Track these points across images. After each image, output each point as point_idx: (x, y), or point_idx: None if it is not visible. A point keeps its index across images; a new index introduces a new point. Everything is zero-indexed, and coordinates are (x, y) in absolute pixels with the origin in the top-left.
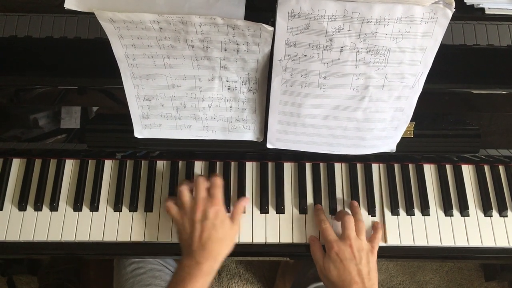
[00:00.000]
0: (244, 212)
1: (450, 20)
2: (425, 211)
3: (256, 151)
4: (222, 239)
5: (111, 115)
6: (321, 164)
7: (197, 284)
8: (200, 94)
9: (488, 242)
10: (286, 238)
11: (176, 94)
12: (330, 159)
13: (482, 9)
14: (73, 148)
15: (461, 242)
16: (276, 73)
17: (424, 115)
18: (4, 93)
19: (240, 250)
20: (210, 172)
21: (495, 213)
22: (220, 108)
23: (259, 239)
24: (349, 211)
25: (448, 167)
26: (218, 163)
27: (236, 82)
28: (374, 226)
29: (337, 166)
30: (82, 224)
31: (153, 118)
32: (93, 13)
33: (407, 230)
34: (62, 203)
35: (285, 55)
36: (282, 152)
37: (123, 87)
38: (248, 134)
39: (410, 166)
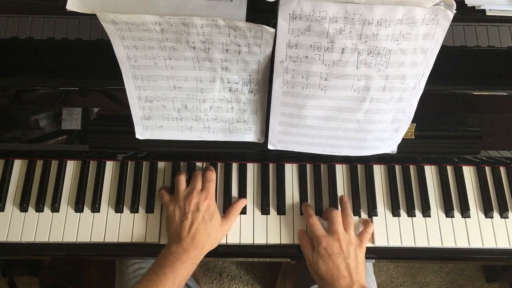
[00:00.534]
0: (245, 213)
1: (451, 22)
2: (426, 212)
3: (257, 152)
4: (209, 233)
5: (113, 116)
6: (322, 165)
7: (186, 270)
8: (201, 96)
9: (489, 243)
10: (287, 239)
11: (178, 96)
12: (331, 160)
13: (483, 11)
14: (74, 149)
15: (462, 243)
16: (277, 74)
17: (425, 116)
18: (5, 94)
19: (241, 251)
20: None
21: (496, 214)
22: (222, 110)
23: (260, 240)
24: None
25: (449, 168)
26: (219, 164)
27: (237, 83)
28: (365, 222)
29: (338, 167)
30: (83, 225)
31: (154, 119)
32: (94, 15)
33: (408, 231)
34: (64, 204)
35: (286, 56)
36: (283, 153)
37: (124, 89)
38: (249, 135)
39: (411, 167)
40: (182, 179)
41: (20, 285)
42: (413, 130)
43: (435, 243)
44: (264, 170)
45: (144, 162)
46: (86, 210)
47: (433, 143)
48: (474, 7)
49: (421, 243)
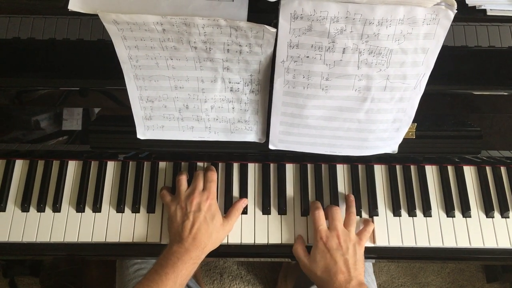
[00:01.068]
0: (246, 213)
1: (452, 22)
2: (427, 212)
3: (258, 152)
4: (211, 233)
5: (114, 116)
6: (323, 165)
7: (187, 270)
8: (202, 96)
9: (490, 243)
10: (288, 239)
11: (179, 96)
12: (332, 160)
13: (484, 11)
14: (75, 149)
15: (463, 243)
16: (278, 74)
17: (426, 116)
18: (7, 95)
19: (242, 251)
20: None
21: (496, 214)
22: (223, 110)
23: (261, 240)
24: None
25: (450, 168)
26: (220, 164)
27: (238, 83)
28: (365, 221)
29: (339, 167)
30: (84, 225)
31: (155, 119)
32: (96, 15)
33: (409, 231)
34: (65, 204)
35: (287, 56)
36: (284, 153)
37: (125, 89)
38: (251, 135)
39: (412, 167)
40: (183, 179)
41: (21, 286)
42: (414, 130)
43: (436, 243)
44: (265, 170)
45: (145, 162)
46: (88, 210)
47: (434, 143)
48: (475, 7)
49: (422, 243)
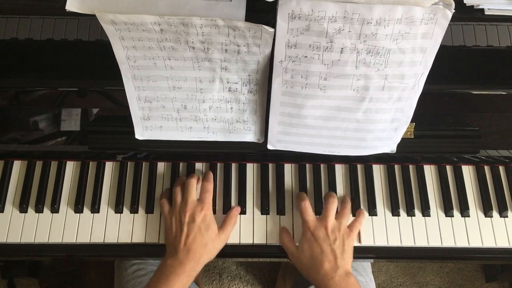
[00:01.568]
0: (245, 213)
1: (450, 21)
2: (425, 211)
3: (257, 152)
4: (206, 244)
5: (112, 116)
6: (322, 165)
7: (181, 283)
8: (200, 96)
9: (489, 243)
10: None
11: (177, 96)
12: (330, 160)
13: (482, 10)
14: (74, 150)
15: (461, 243)
16: (276, 74)
17: (424, 115)
18: (5, 95)
19: (241, 251)
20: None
21: (495, 213)
22: (221, 110)
23: (259, 240)
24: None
25: (449, 168)
26: (218, 164)
27: (236, 83)
28: (357, 213)
29: (338, 167)
30: (83, 225)
31: (154, 119)
32: (93, 15)
33: (407, 230)
34: (63, 205)
35: (285, 56)
36: (282, 153)
37: (123, 89)
38: (249, 135)
39: (411, 167)
40: (179, 190)
41: (19, 287)
42: (413, 130)
43: (435, 243)
44: (264, 170)
45: (143, 163)
46: (86, 210)
47: (433, 143)
48: (472, 6)
49: (421, 242)
